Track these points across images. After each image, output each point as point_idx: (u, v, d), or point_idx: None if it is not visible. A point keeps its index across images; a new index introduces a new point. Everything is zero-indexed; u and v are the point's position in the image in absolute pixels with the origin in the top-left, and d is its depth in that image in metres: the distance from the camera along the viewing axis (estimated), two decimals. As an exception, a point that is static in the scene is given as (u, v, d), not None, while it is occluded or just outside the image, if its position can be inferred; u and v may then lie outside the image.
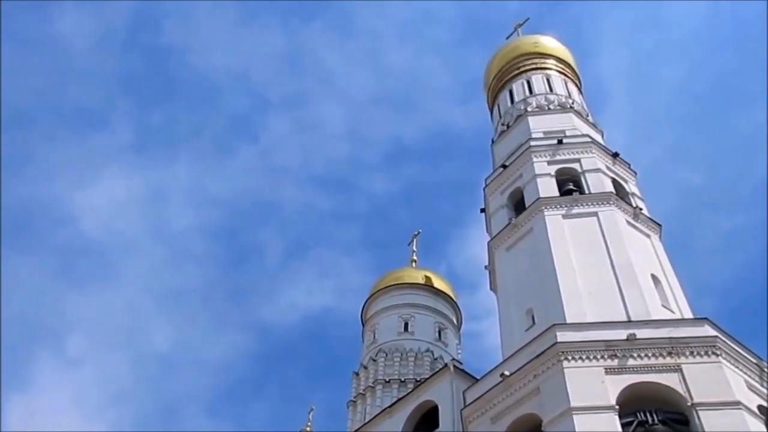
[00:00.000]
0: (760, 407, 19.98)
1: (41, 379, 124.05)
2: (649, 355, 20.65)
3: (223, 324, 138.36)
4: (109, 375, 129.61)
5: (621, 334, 21.23)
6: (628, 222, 28.37)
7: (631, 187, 31.69)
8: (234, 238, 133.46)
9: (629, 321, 22.61)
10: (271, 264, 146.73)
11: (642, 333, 21.21)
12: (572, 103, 37.79)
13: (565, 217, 28.31)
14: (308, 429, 42.44)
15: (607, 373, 20.38)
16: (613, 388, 19.95)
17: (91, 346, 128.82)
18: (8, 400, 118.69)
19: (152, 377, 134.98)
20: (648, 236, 28.56)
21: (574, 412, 19.35)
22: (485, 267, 32.04)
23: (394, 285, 46.94)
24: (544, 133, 33.85)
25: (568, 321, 22.79)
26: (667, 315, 23.92)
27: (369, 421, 33.16)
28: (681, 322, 22.86)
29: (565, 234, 27.40)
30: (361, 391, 39.59)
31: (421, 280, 47.22)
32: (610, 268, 25.52)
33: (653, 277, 25.91)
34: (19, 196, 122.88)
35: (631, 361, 20.60)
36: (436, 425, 28.16)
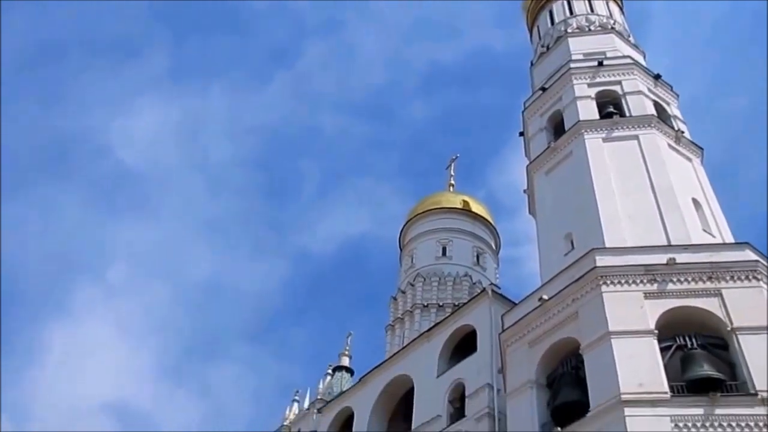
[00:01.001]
0: (800, 331, 19.89)
1: (83, 308, 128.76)
2: (689, 279, 20.52)
3: (262, 253, 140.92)
4: (150, 303, 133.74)
5: (661, 258, 21.07)
6: (670, 145, 27.73)
7: (672, 109, 30.82)
8: (271, 167, 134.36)
9: (669, 245, 22.40)
10: (309, 192, 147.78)
11: (682, 257, 21.03)
12: (613, 23, 36.49)
13: (605, 140, 27.78)
14: (347, 353, 43.58)
15: (646, 297, 20.37)
16: (652, 312, 19.97)
17: (132, 276, 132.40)
18: (51, 328, 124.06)
19: (193, 306, 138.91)
20: (689, 160, 27.94)
21: (612, 336, 19.50)
22: (524, 191, 31.87)
23: (432, 210, 47.09)
24: (585, 54, 32.86)
25: (608, 246, 22.67)
26: (708, 240, 23.62)
27: (407, 345, 33.92)
28: (722, 246, 22.59)
29: (605, 157, 26.94)
30: (399, 316, 40.38)
31: (459, 205, 47.27)
32: (650, 192, 25.14)
33: (694, 201, 25.47)
34: (56, 127, 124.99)
35: (670, 286, 20.51)
36: (474, 349, 28.72)
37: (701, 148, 28.73)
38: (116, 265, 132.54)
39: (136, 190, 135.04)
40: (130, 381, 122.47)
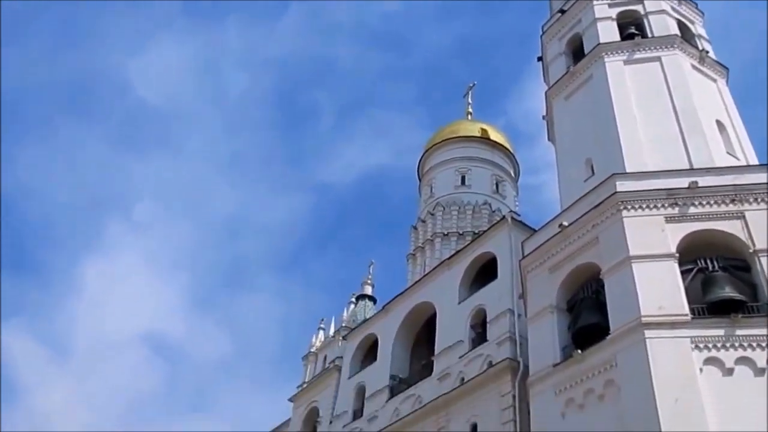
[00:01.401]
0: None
1: (113, 244, 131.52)
2: (711, 202, 20.40)
3: (283, 187, 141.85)
4: (177, 238, 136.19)
5: (683, 182, 20.91)
6: (693, 66, 27.06)
7: (697, 28, 29.89)
8: (288, 100, 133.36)
9: (691, 169, 22.18)
10: (326, 124, 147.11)
11: (705, 180, 20.85)
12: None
13: (626, 62, 27.14)
14: (369, 282, 44.23)
15: (667, 221, 20.33)
16: (673, 236, 19.98)
17: (158, 212, 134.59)
18: (84, 264, 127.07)
19: (217, 239, 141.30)
20: (714, 81, 27.29)
21: (633, 260, 19.60)
22: (543, 118, 31.48)
23: (450, 139, 46.76)
24: (605, -27, 31.72)
25: (628, 170, 22.50)
26: (732, 162, 23.36)
27: (428, 273, 34.36)
28: (745, 168, 22.30)
29: (626, 80, 26.39)
30: (419, 245, 40.72)
31: (477, 133, 46.84)
32: (672, 115, 24.71)
33: (718, 123, 25.04)
34: (74, 68, 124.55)
35: (692, 210, 20.42)
36: (495, 276, 29.04)
37: (726, 68, 28.00)
38: (142, 202, 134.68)
39: (157, 128, 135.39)
40: (162, 313, 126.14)
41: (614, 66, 26.98)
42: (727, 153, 23.84)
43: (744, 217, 19.89)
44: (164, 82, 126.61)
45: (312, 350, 41.96)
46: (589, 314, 21.14)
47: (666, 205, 20.63)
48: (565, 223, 22.55)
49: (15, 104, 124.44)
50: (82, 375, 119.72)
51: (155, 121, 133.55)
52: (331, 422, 35.26)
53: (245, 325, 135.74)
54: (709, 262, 19.71)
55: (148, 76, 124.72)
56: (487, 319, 27.93)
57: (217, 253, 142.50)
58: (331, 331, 41.22)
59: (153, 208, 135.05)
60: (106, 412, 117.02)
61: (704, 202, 20.44)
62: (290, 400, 40.94)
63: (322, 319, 43.68)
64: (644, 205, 20.78)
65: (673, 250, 19.65)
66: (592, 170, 24.85)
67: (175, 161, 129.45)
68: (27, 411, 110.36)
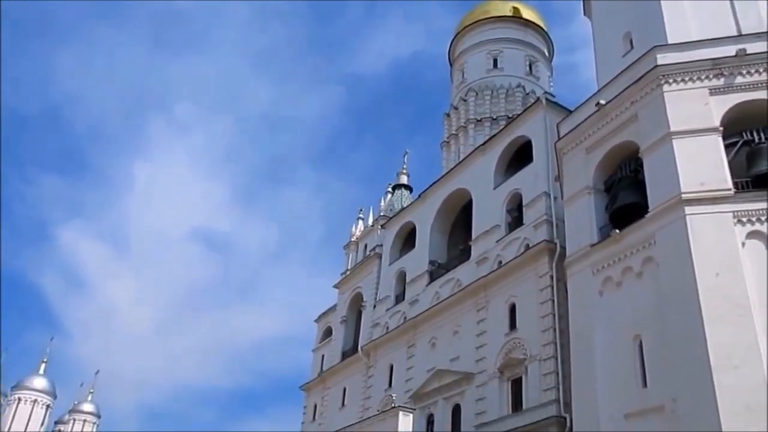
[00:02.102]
0: None
1: (159, 143, 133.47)
2: (760, 70, 19.32)
3: (316, 79, 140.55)
4: (217, 136, 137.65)
5: (729, 50, 19.79)
6: None
7: None
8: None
9: (739, 35, 20.82)
10: (356, 13, 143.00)
11: (753, 47, 19.65)
12: None
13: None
14: (404, 172, 44.18)
15: (711, 93, 19.47)
16: (717, 108, 19.19)
17: (198, 111, 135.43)
18: (132, 164, 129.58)
19: (257, 135, 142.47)
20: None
21: (673, 136, 19.01)
22: (578, -9, 29.88)
23: (481, 20, 44.98)
24: None
25: (670, 42, 21.35)
26: (783, 26, 21.97)
27: (463, 159, 34.10)
28: (798, 32, 20.98)
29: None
30: (453, 132, 40.19)
31: (509, 12, 44.90)
32: (718, -23, 23.13)
33: (769, -16, 23.38)
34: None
35: (739, 79, 19.43)
36: (530, 159, 28.68)
37: None
38: (182, 102, 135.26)
39: (188, 27, 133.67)
40: (209, 208, 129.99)
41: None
42: (779, 17, 22.38)
43: (795, 85, 18.91)
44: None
45: (352, 239, 42.83)
46: (627, 193, 20.85)
47: (710, 76, 19.69)
48: (603, 102, 21.84)
49: (48, 11, 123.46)
50: (141, 269, 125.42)
51: (184, 21, 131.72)
52: (374, 306, 36.42)
53: (289, 218, 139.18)
54: (755, 134, 18.98)
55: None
56: (523, 203, 27.85)
57: (257, 148, 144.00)
58: (370, 221, 41.84)
59: (192, 107, 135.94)
60: (165, 303, 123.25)
61: (752, 71, 19.39)
62: (335, 286, 42.30)
63: (361, 209, 44.39)
64: (687, 78, 19.88)
65: (717, 123, 18.93)
66: (631, 44, 23.69)
67: (209, 59, 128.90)
68: (96, 304, 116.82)
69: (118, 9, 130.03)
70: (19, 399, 52.85)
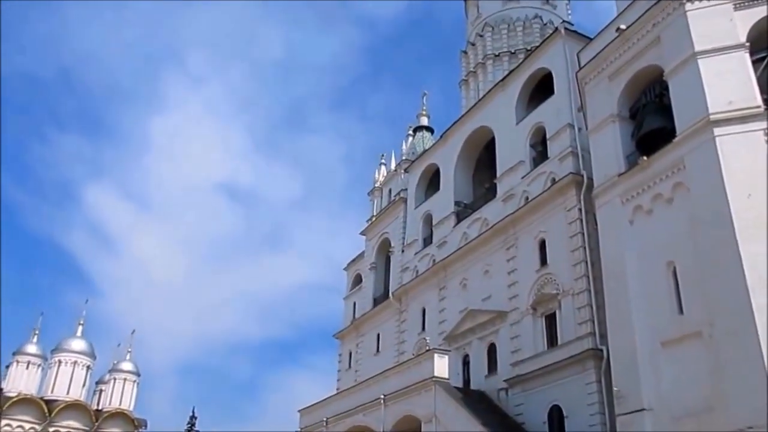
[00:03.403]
0: None
1: (173, 96, 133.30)
2: (787, -20, 18.56)
3: (329, 23, 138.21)
4: (233, 86, 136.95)
5: (753, -38, 18.97)
6: None
7: None
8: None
9: (763, -55, 20.00)
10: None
11: (778, -43, 18.86)
12: None
13: None
14: (424, 113, 43.67)
15: (736, 8, 18.78)
16: (743, 24, 18.53)
17: (211, 60, 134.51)
18: (151, 120, 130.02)
19: (273, 83, 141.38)
20: None
21: (698, 56, 18.45)
22: None
23: (492, -49, 43.41)
24: None
25: (691, -42, 20.53)
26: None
27: (483, 97, 33.54)
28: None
29: None
30: (471, 69, 39.38)
31: (521, -60, 43.26)
32: None
33: None
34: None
35: (764, -9, 18.69)
36: (551, 92, 28.07)
37: None
38: (194, 54, 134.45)
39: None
40: (230, 160, 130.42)
41: None
42: None
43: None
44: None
45: (376, 185, 42.77)
46: (653, 119, 20.43)
47: (735, -11, 18.94)
48: (623, 26, 21.22)
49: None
50: (167, 223, 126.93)
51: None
52: (403, 251, 36.59)
53: (311, 165, 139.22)
54: (784, 47, 18.35)
55: None
56: (547, 136, 27.43)
57: (274, 95, 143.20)
58: (393, 165, 41.66)
59: (205, 58, 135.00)
60: (194, 257, 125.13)
61: (779, -20, 18.60)
62: (362, 233, 42.50)
63: (383, 154, 44.15)
64: (710, -6, 19.15)
65: (743, 39, 18.31)
66: (651, -37, 22.82)
67: (219, 6, 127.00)
68: (127, 259, 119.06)
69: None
70: (60, 361, 54.37)
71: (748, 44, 18.20)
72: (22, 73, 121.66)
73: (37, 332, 55.73)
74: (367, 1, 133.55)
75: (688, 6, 19.31)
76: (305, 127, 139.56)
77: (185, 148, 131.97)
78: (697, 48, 18.59)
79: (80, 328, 57.91)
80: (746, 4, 18.73)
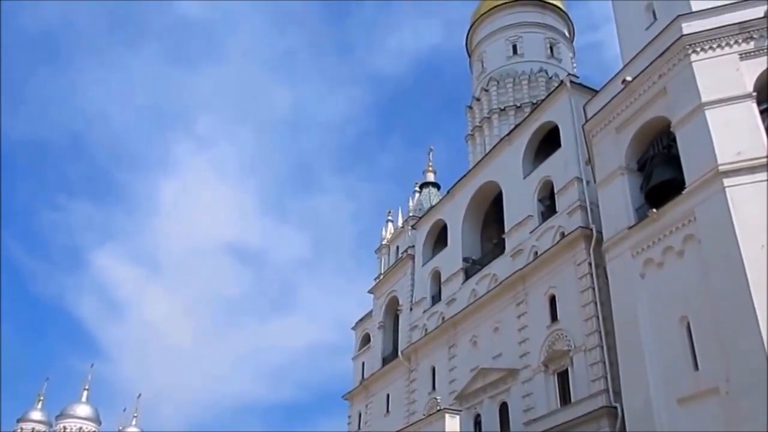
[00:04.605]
0: None
1: (181, 159, 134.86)
2: (792, 30, 18.43)
3: (336, 81, 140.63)
4: (241, 146, 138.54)
5: (758, 11, 18.91)
6: None
7: None
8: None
9: (766, -4, 19.96)
10: (370, 10, 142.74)
11: (782, 7, 18.79)
12: None
13: None
14: (431, 169, 43.53)
15: (742, 58, 18.63)
16: (749, 73, 18.36)
17: (219, 123, 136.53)
18: (157, 182, 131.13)
19: (280, 142, 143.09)
20: None
21: (705, 107, 18.23)
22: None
23: (497, 6, 43.90)
24: None
25: (694, 9, 20.48)
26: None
27: (489, 151, 33.39)
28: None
29: None
30: (477, 124, 39.39)
31: (524, -4, 43.85)
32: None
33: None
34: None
35: (770, 41, 18.54)
36: (558, 145, 27.84)
37: None
38: (202, 116, 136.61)
39: (203, 38, 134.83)
40: (238, 221, 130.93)
41: None
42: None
43: (830, 41, 17.96)
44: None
45: (383, 243, 42.33)
46: (661, 170, 20.08)
47: (739, 40, 18.86)
48: (629, 78, 21.10)
49: (64, 31, 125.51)
50: (176, 287, 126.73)
51: (200, 33, 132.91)
52: (411, 309, 35.88)
53: (319, 226, 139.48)
54: (792, 95, 18.09)
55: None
56: (555, 190, 27.08)
57: (282, 154, 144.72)
58: (400, 222, 41.31)
59: (213, 120, 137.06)
60: (202, 320, 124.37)
61: (784, 31, 18.47)
62: (370, 292, 41.86)
63: (389, 211, 43.85)
64: (715, 45, 19.06)
65: (750, 89, 18.10)
66: (654, 16, 22.85)
67: (226, 69, 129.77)
68: (135, 323, 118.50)
69: (132, 29, 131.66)
70: (65, 428, 53.66)
71: (755, 94, 17.99)
72: (32, 139, 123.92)
73: (42, 398, 55.23)
74: (373, 59, 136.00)
75: (694, 57, 19.20)
76: (313, 186, 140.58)
77: (193, 210, 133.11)
78: (704, 99, 18.39)
79: (85, 393, 57.29)
80: (752, 53, 18.59)
